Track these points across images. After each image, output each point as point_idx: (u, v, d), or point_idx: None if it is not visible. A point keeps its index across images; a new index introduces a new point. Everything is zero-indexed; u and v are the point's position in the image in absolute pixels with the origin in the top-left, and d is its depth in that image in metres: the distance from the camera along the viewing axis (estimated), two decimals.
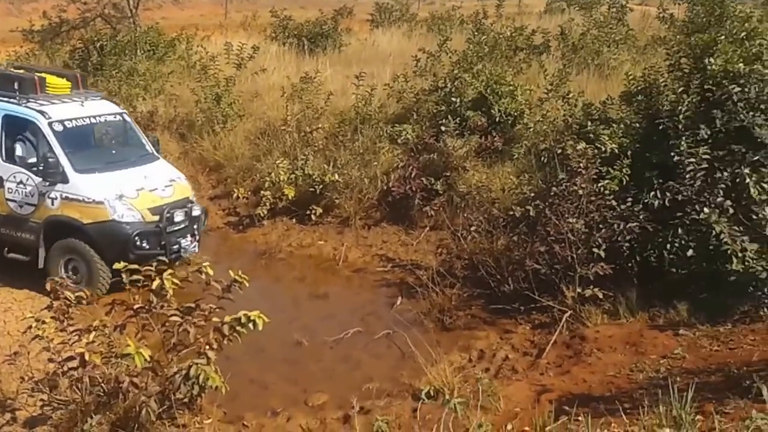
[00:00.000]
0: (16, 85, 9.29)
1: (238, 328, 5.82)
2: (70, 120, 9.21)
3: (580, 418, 5.24)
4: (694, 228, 7.32)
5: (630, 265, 7.86)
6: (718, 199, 7.22)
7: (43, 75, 9.72)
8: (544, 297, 7.99)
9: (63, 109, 9.29)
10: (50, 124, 8.99)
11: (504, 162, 10.88)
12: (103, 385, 5.86)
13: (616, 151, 8.41)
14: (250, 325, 5.79)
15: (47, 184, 8.85)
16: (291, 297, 9.40)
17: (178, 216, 9.22)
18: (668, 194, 7.63)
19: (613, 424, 5.23)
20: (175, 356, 5.88)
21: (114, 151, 10.09)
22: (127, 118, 10.22)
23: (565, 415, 5.53)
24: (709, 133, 7.69)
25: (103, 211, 8.77)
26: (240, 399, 6.65)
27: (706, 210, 7.09)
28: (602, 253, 7.75)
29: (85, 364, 5.62)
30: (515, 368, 7.25)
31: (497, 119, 11.18)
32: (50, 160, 8.79)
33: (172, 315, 5.70)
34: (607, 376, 6.50)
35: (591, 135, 8.91)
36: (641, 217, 7.73)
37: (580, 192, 8.09)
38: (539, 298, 7.99)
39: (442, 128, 11.09)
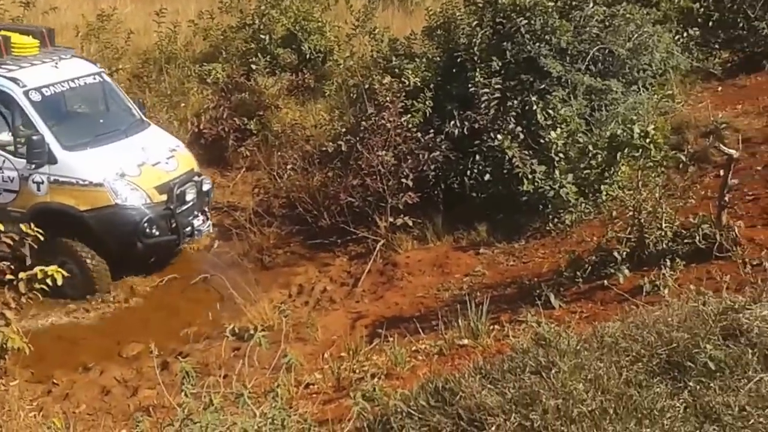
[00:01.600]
0: None
1: (36, 285, 5.45)
2: (48, 87, 7.87)
3: (390, 339, 5.58)
4: (490, 154, 7.86)
5: (436, 192, 8.33)
6: (510, 126, 7.78)
7: (4, 33, 8.16)
8: (359, 229, 8.28)
9: (37, 73, 7.92)
10: (26, 94, 7.65)
11: (316, 99, 10.97)
12: None
13: (420, 84, 8.70)
14: (49, 281, 5.44)
15: (32, 166, 7.49)
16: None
17: (190, 193, 8.15)
18: (467, 123, 8.10)
19: (420, 341, 5.62)
20: None
21: (101, 120, 8.68)
22: (107, 78, 8.87)
23: (377, 337, 5.87)
24: (501, 64, 8.17)
25: (103, 195, 7.56)
26: (48, 358, 6.34)
27: (499, 137, 7.62)
28: (410, 183, 8.13)
29: None
30: (333, 299, 7.51)
31: (308, 56, 11.17)
32: (33, 137, 7.42)
33: None
34: (417, 297, 6.94)
35: (396, 70, 9.12)
36: (444, 146, 8.17)
37: (388, 125, 8.35)
38: (354, 230, 8.27)
39: (253, 67, 10.90)
